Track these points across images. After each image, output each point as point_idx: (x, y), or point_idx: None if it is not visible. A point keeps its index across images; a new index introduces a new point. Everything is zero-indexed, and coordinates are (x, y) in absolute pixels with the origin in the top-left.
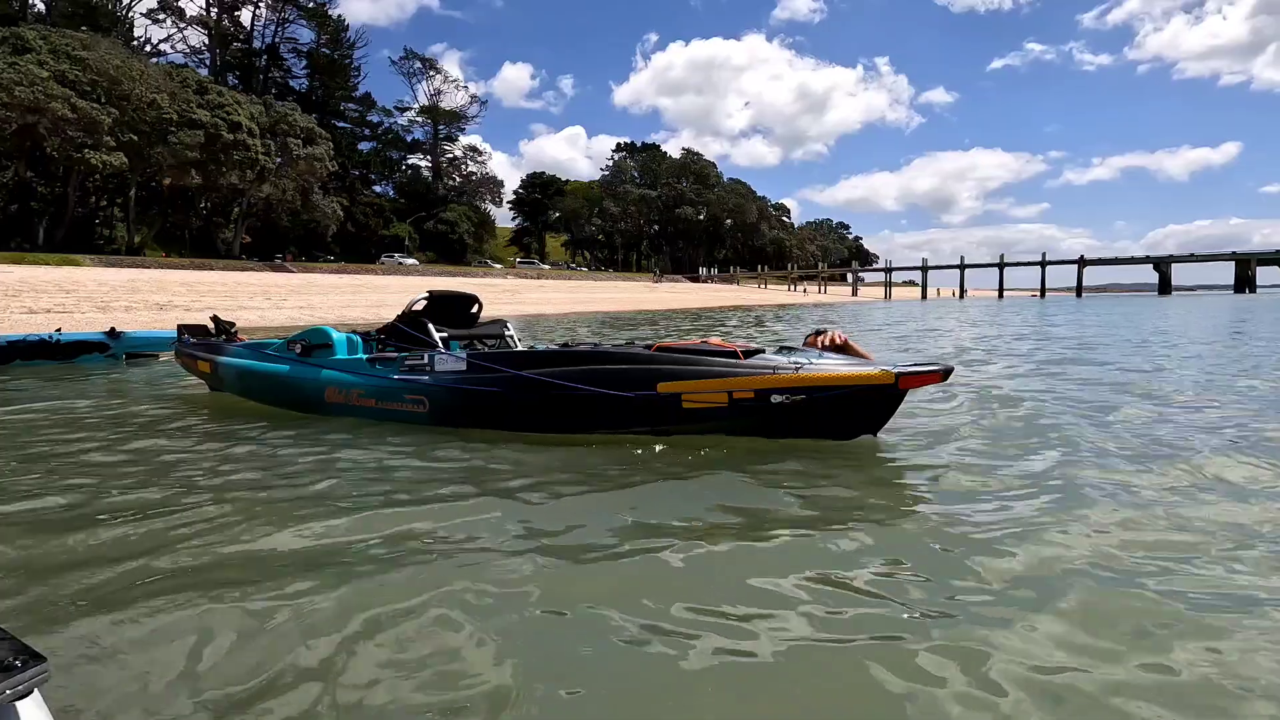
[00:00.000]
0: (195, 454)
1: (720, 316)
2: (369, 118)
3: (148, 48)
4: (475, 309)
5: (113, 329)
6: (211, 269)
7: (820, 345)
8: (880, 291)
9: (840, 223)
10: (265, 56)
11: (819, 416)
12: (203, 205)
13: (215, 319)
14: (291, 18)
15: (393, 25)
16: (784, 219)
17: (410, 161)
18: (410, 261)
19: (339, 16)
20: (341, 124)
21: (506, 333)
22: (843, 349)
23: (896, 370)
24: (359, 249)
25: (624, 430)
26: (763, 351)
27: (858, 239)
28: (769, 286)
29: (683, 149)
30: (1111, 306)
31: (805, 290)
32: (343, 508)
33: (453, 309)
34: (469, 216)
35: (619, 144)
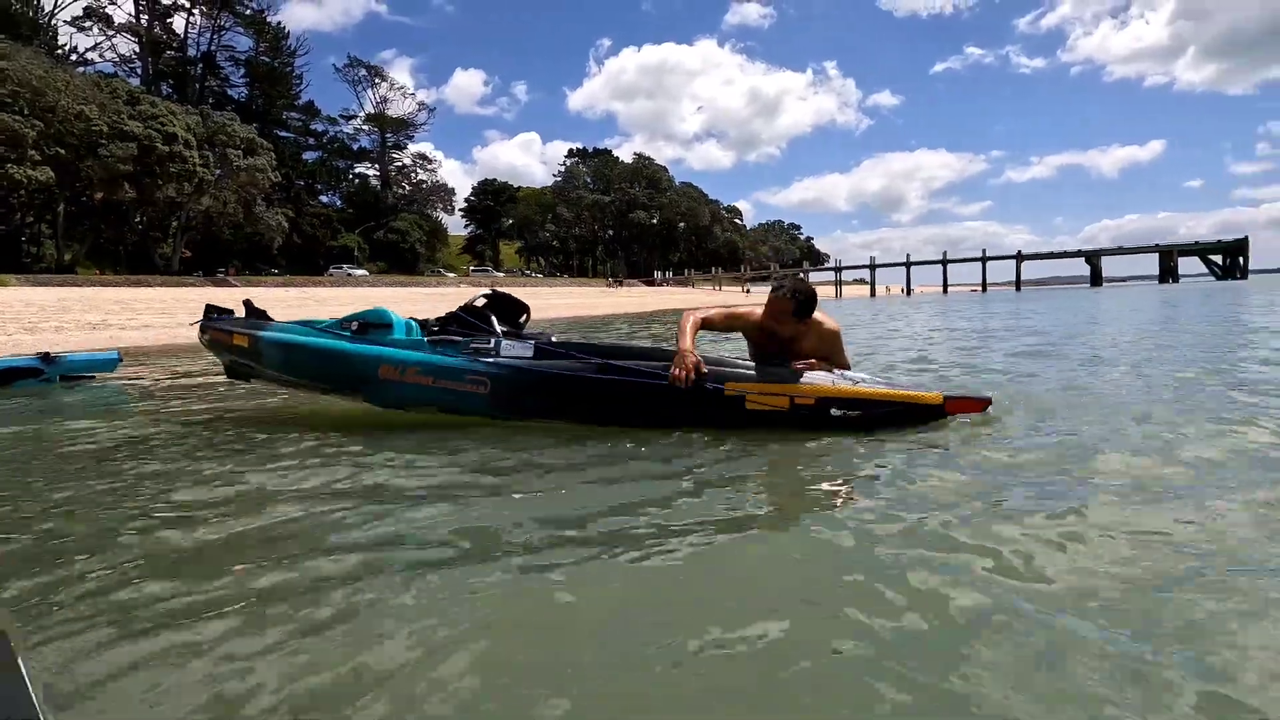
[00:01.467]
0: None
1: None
2: (313, 127)
3: (73, 57)
4: (524, 318)
5: (46, 353)
6: (149, 285)
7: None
8: (831, 290)
9: (792, 224)
10: (201, 65)
11: (867, 428)
12: (138, 220)
13: (248, 303)
14: (228, 25)
15: (339, 31)
16: (736, 221)
17: (358, 171)
18: (360, 272)
19: (278, 24)
20: (284, 133)
21: (551, 341)
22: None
23: (945, 394)
24: (307, 261)
25: (684, 425)
26: (810, 368)
27: (809, 239)
28: (723, 288)
29: (634, 154)
30: (1047, 298)
31: (749, 290)
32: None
33: (508, 311)
34: (420, 225)
35: (571, 149)
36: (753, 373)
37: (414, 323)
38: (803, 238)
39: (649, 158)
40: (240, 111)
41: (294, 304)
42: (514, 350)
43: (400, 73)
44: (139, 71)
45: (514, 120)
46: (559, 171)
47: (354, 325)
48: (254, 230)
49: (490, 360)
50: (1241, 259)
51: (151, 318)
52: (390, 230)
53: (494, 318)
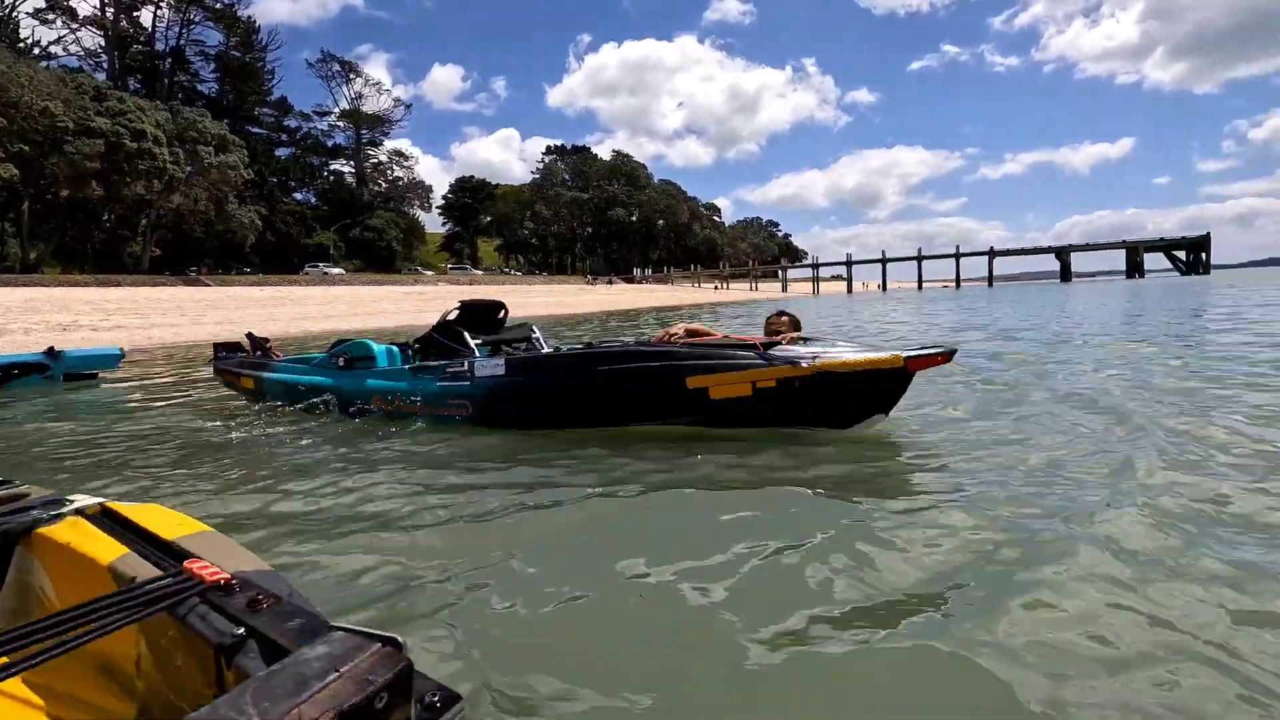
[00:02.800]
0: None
1: (661, 316)
2: (286, 123)
3: (36, 50)
4: (501, 314)
5: (51, 348)
6: (119, 285)
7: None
8: (809, 287)
9: (770, 221)
10: (170, 60)
11: (835, 400)
12: (106, 218)
13: (250, 336)
14: (197, 19)
15: (314, 25)
16: (715, 219)
17: (333, 167)
18: (336, 271)
19: (249, 17)
20: (256, 130)
21: (533, 334)
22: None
23: (905, 354)
24: (281, 259)
25: (656, 422)
26: (778, 343)
27: (787, 236)
28: (702, 285)
29: (613, 151)
30: (1017, 294)
31: (723, 287)
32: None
33: (482, 316)
34: (397, 223)
35: (549, 146)
36: (715, 363)
37: (394, 349)
38: (780, 235)
39: (627, 155)
40: (211, 107)
41: (269, 303)
42: (486, 370)
43: (377, 68)
44: (105, 66)
45: (493, 116)
46: (537, 168)
47: (340, 360)
48: (226, 228)
49: (468, 384)
50: (1204, 254)
51: (123, 318)
52: (366, 228)
53: (466, 334)
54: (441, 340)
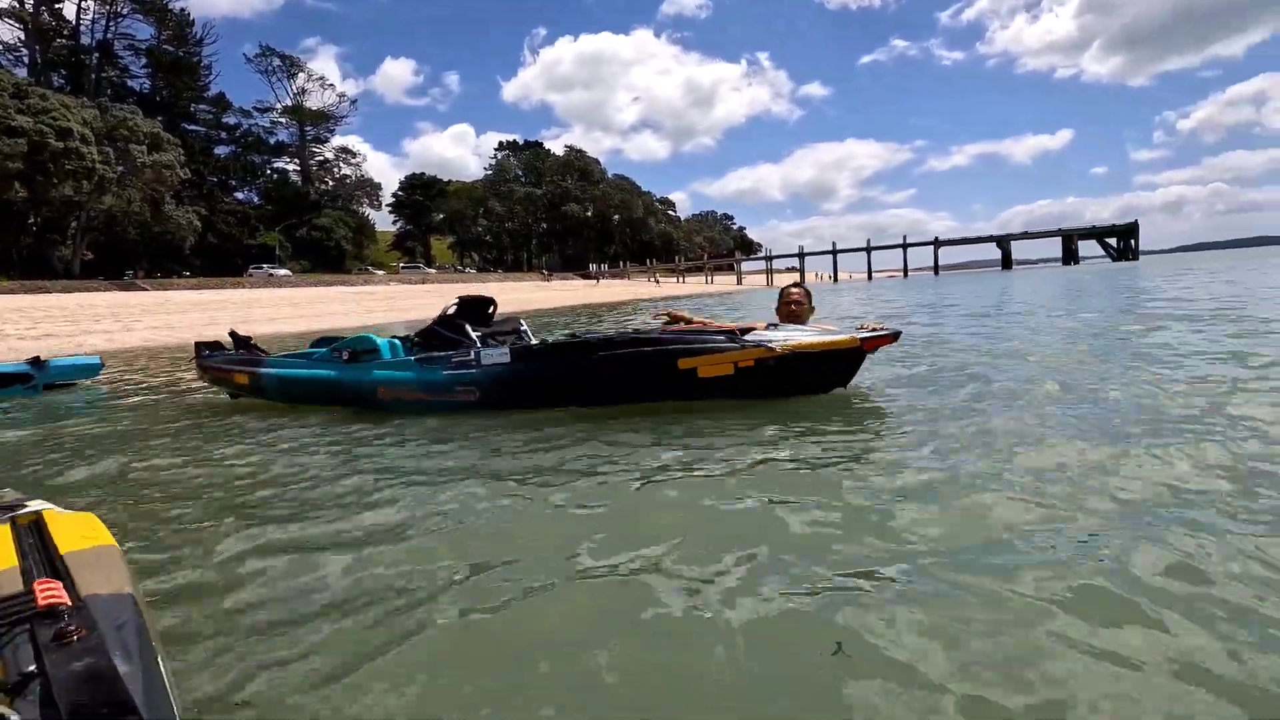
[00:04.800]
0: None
1: (613, 311)
2: (225, 120)
3: None
4: (491, 309)
5: (37, 357)
6: (48, 291)
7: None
8: (763, 279)
9: (725, 214)
10: (97, 54)
11: (803, 376)
12: (32, 221)
13: (233, 333)
14: (125, 11)
15: (257, 19)
16: (670, 213)
17: (276, 166)
18: (282, 272)
19: (182, 10)
20: (193, 127)
21: (521, 327)
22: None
23: (860, 336)
24: (224, 261)
25: (651, 400)
26: (754, 329)
27: (742, 229)
28: (660, 279)
29: (566, 146)
30: (960, 282)
31: (680, 281)
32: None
33: (476, 310)
34: (346, 222)
35: (501, 142)
36: (702, 347)
37: (397, 341)
38: (735, 228)
39: (581, 150)
40: (143, 104)
41: (210, 307)
42: (493, 358)
43: (325, 62)
44: (26, 61)
45: (446, 112)
46: (490, 164)
47: (345, 354)
48: (163, 230)
49: (475, 371)
50: (1133, 241)
51: (53, 325)
52: (314, 227)
53: (467, 325)
54: (444, 333)
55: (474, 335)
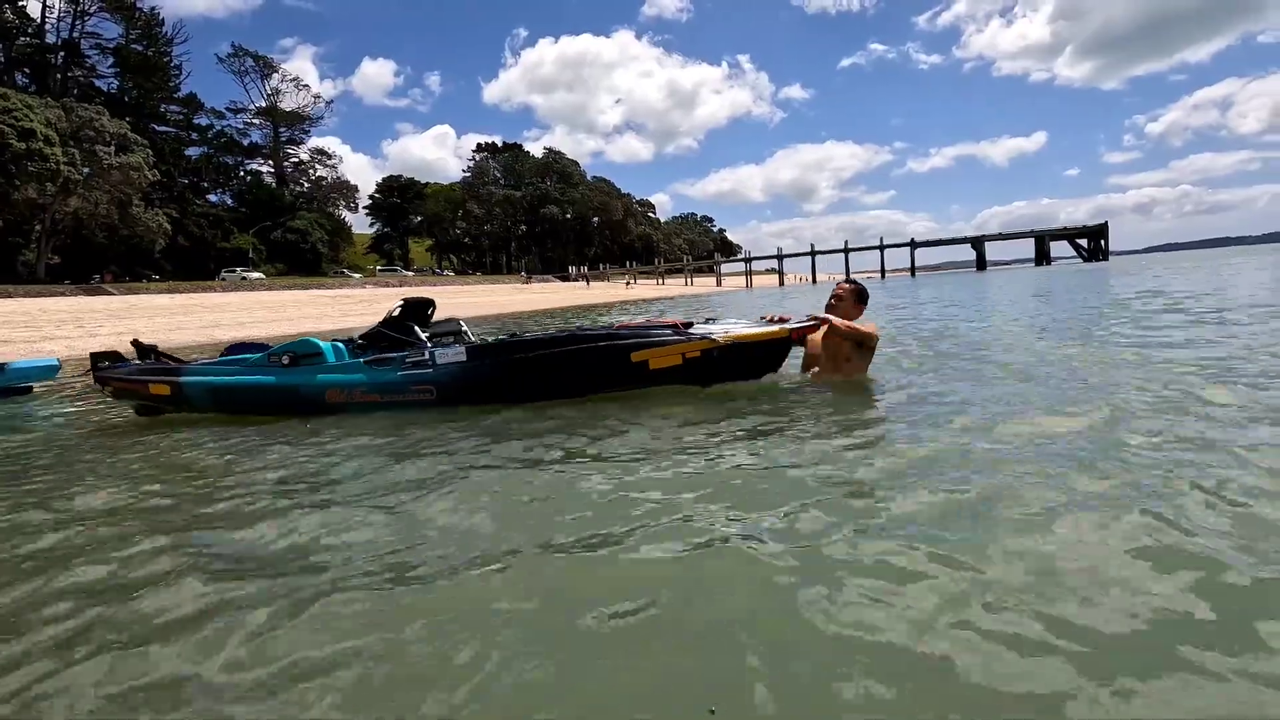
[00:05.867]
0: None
1: (599, 312)
2: (196, 120)
3: None
4: (431, 311)
5: None
6: (10, 296)
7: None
8: (743, 280)
9: (705, 216)
10: (62, 53)
11: (742, 364)
12: None
13: (136, 343)
14: (92, 10)
15: (233, 18)
16: (650, 215)
17: (250, 167)
18: (256, 276)
19: (153, 9)
20: (163, 128)
21: (461, 328)
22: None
23: (789, 327)
24: (197, 264)
25: (605, 391)
26: (693, 324)
27: (721, 231)
28: (639, 281)
29: (545, 148)
30: (935, 283)
31: (660, 282)
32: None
33: (418, 311)
34: (321, 224)
35: (480, 144)
36: (652, 340)
37: (341, 345)
38: (715, 230)
39: (560, 152)
40: (111, 104)
41: (178, 311)
42: (448, 357)
43: (303, 62)
44: None
45: (427, 113)
46: (468, 166)
47: (285, 359)
48: (132, 233)
49: (429, 372)
50: (1103, 242)
51: (11, 331)
52: (289, 230)
53: (416, 326)
54: (392, 334)
55: (423, 336)
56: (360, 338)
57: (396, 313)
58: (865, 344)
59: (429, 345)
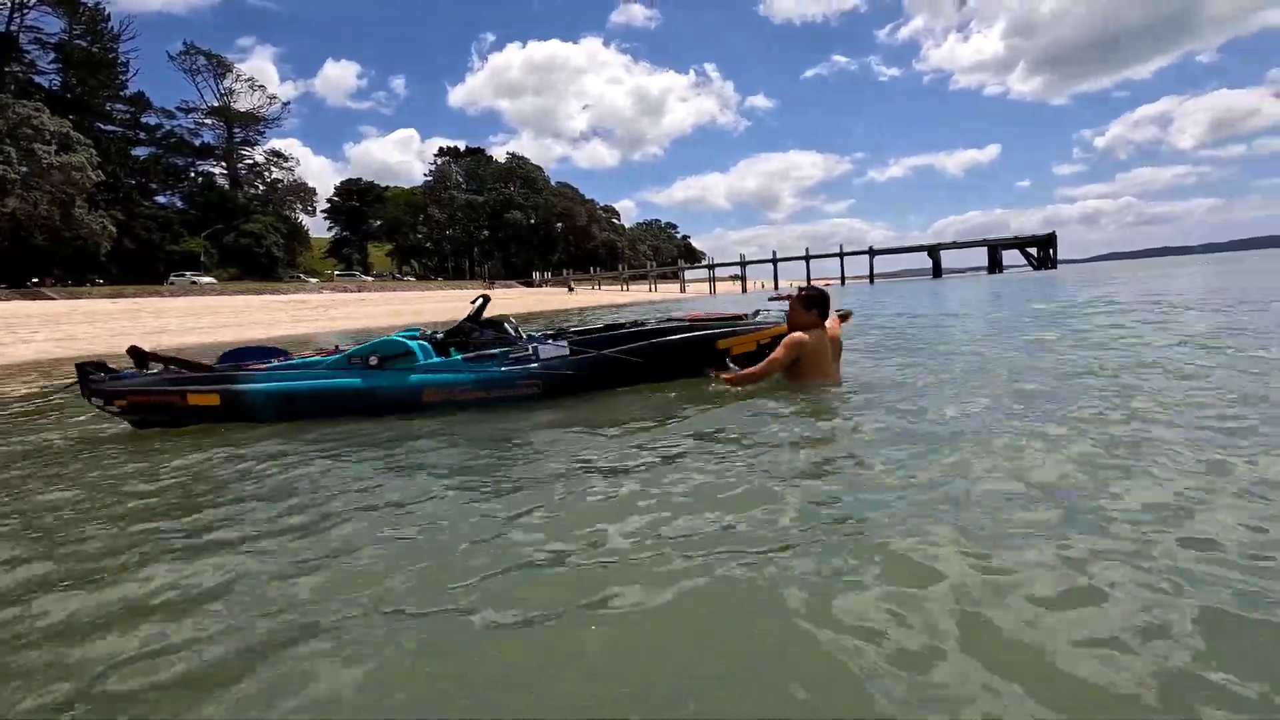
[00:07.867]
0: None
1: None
2: (144, 119)
3: None
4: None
5: None
6: None
7: None
8: (707, 287)
9: (669, 223)
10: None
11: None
12: None
13: (135, 350)
14: (32, 3)
15: (191, 15)
16: (614, 221)
17: (201, 169)
18: (206, 280)
19: (96, 4)
20: (109, 127)
21: (508, 322)
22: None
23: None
24: (145, 268)
25: (693, 376)
26: (743, 317)
27: (686, 237)
28: (602, 287)
29: (508, 153)
30: (893, 290)
31: (625, 288)
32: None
33: (480, 309)
34: (277, 228)
35: (441, 148)
36: (733, 330)
37: (426, 344)
38: (679, 236)
39: (524, 157)
40: (51, 102)
41: (121, 316)
42: (551, 351)
43: (262, 62)
44: None
45: (391, 116)
46: (429, 171)
47: (372, 359)
48: (75, 235)
49: (535, 367)
50: (1052, 251)
51: None
52: (242, 233)
53: (506, 323)
54: (483, 330)
55: (522, 334)
56: (445, 334)
57: (480, 309)
58: (776, 371)
59: (532, 340)
